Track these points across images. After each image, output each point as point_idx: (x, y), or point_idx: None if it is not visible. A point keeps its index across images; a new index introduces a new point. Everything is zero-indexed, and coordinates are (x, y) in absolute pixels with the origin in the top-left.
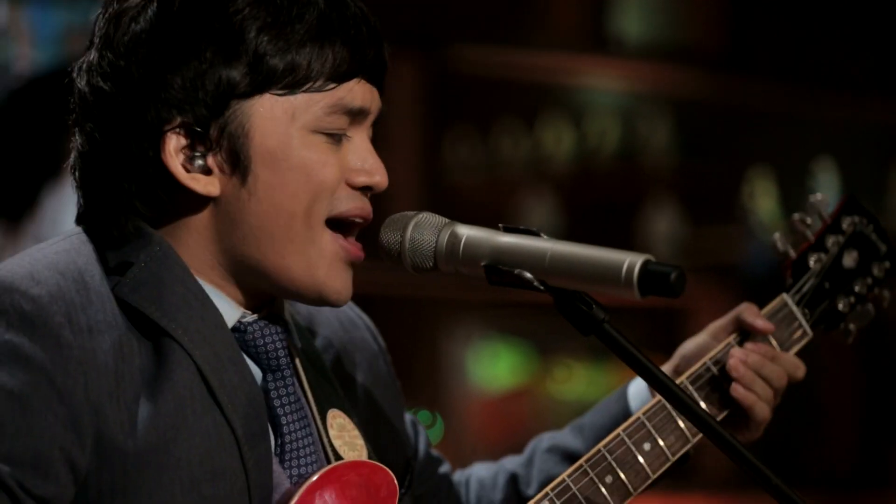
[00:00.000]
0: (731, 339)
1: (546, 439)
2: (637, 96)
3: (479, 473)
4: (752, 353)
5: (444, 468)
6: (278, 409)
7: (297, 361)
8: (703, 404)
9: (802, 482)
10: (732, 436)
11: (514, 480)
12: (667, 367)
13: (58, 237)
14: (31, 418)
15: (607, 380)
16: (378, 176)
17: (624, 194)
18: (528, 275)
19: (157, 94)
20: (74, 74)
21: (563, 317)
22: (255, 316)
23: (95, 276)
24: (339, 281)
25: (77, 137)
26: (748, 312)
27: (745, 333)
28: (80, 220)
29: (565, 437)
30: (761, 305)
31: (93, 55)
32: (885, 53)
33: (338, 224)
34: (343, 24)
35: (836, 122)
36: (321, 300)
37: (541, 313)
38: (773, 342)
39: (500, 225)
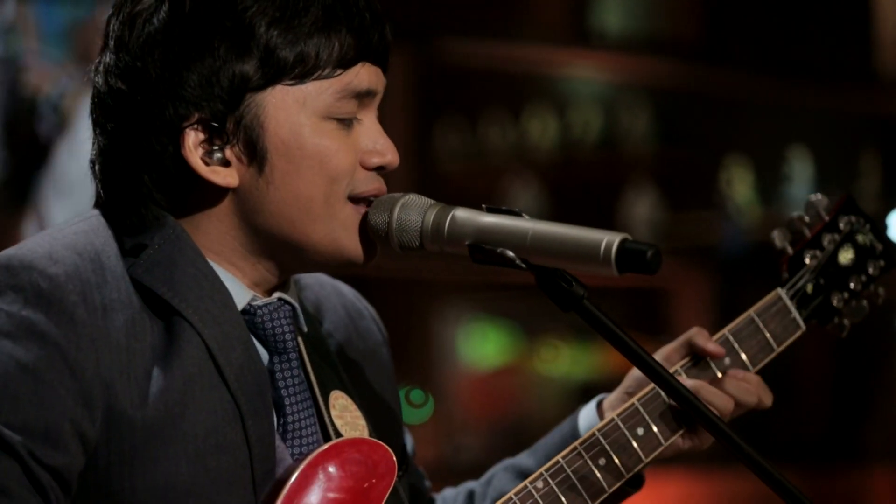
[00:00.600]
0: (679, 366)
1: (506, 461)
2: (618, 87)
3: (445, 493)
4: (694, 382)
5: (427, 483)
6: (282, 391)
7: (303, 345)
8: (654, 428)
9: (776, 455)
10: (707, 408)
11: (470, 497)
12: (618, 391)
13: (77, 218)
14: (43, 391)
15: (590, 358)
16: (390, 155)
17: (605, 180)
18: (511, 253)
19: (174, 93)
20: (92, 75)
21: (544, 294)
22: (264, 299)
23: (111, 257)
24: (358, 239)
25: (98, 135)
26: (699, 337)
27: (696, 358)
28: (99, 207)
29: (521, 458)
30: (736, 287)
31: (108, 56)
32: (857, 44)
33: (356, 200)
34: (347, 13)
35: (810, 111)
36: (349, 263)
37: (527, 295)
38: (715, 369)
39: (483, 206)
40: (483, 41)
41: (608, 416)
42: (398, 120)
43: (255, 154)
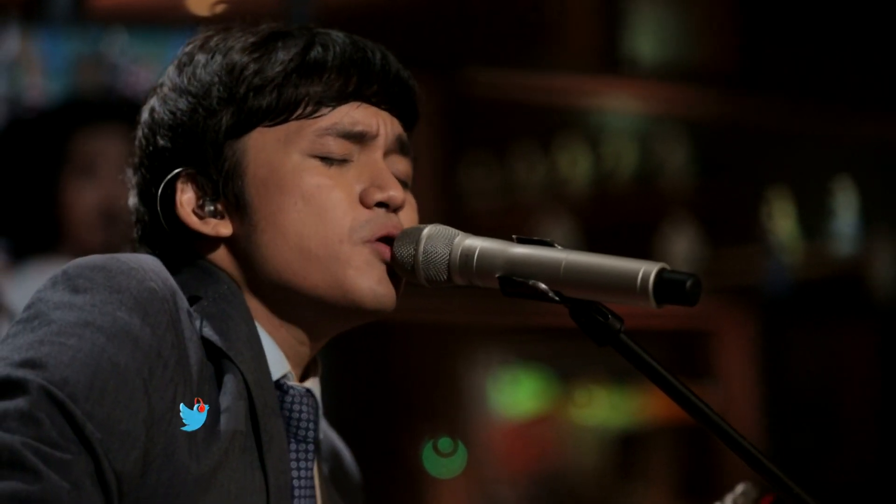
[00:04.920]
0: None
1: None
2: (653, 117)
3: None
4: None
5: None
6: (294, 481)
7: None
8: None
9: (822, 492)
10: (753, 445)
11: None
12: None
13: (145, 256)
14: (130, 393)
15: (628, 404)
16: (392, 190)
17: (641, 216)
18: (543, 285)
19: (165, 152)
20: None
21: (578, 337)
22: (296, 383)
23: (184, 300)
24: (372, 278)
25: None
26: None
27: None
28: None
29: None
30: (780, 328)
31: None
32: None
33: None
34: (332, 52)
35: (855, 141)
36: (356, 307)
37: (561, 338)
38: None
39: (513, 236)
40: (510, 71)
41: None
42: (421, 156)
43: (239, 200)
